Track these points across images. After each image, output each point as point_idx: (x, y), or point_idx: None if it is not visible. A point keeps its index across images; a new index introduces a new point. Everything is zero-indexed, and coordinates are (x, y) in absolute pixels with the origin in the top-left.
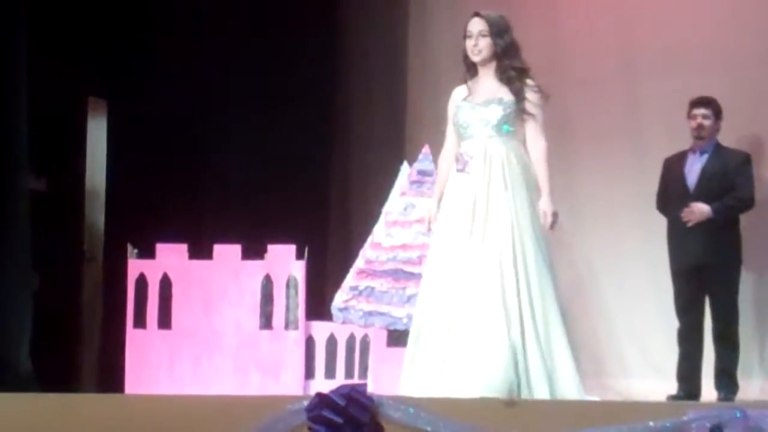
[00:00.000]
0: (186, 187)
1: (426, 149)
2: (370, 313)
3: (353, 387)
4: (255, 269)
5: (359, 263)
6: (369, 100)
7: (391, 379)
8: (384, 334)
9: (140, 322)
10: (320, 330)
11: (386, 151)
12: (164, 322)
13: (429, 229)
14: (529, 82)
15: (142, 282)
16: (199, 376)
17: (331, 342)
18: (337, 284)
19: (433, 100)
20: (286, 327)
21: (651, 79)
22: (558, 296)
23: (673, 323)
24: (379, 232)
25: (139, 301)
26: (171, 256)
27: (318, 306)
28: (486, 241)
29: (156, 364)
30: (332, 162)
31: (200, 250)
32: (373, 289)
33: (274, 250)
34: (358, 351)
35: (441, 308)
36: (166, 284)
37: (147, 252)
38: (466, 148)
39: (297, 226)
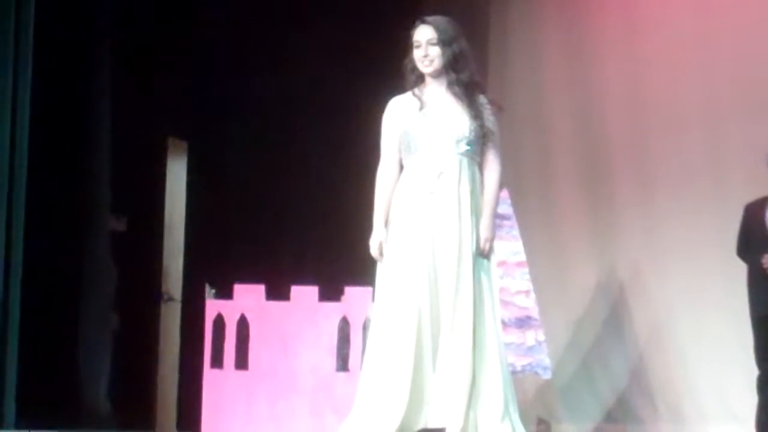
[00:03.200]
0: (264, 228)
1: (504, 193)
2: None
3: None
4: (332, 311)
5: None
6: None
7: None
8: None
9: (217, 362)
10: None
11: None
12: (241, 362)
13: (381, 256)
14: (482, 98)
15: (219, 322)
16: (275, 417)
17: None
18: None
19: (511, 144)
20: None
21: (733, 123)
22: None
23: (753, 369)
24: None
25: (216, 341)
26: (248, 297)
27: None
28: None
29: (233, 404)
30: None
31: (277, 292)
32: None
33: (351, 292)
34: None
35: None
36: (243, 325)
37: (225, 292)
38: (421, 164)
39: (374, 269)
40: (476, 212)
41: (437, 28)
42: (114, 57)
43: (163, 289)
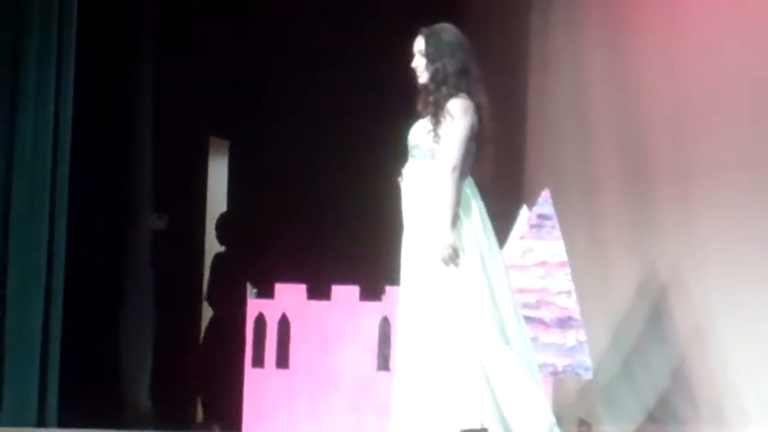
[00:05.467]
0: (306, 226)
1: (546, 193)
2: None
3: None
4: (372, 310)
5: None
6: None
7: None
8: None
9: (258, 361)
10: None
11: (504, 195)
12: (282, 361)
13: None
14: (451, 103)
15: (261, 322)
16: (316, 416)
17: None
18: None
19: (553, 144)
20: None
21: None
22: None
23: None
24: None
25: (257, 340)
26: (290, 296)
27: None
28: None
29: (273, 403)
30: None
31: (319, 291)
32: None
33: (391, 291)
34: None
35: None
36: (284, 324)
37: (266, 292)
38: None
39: None
40: (428, 217)
41: (428, 41)
42: (155, 56)
43: (205, 288)
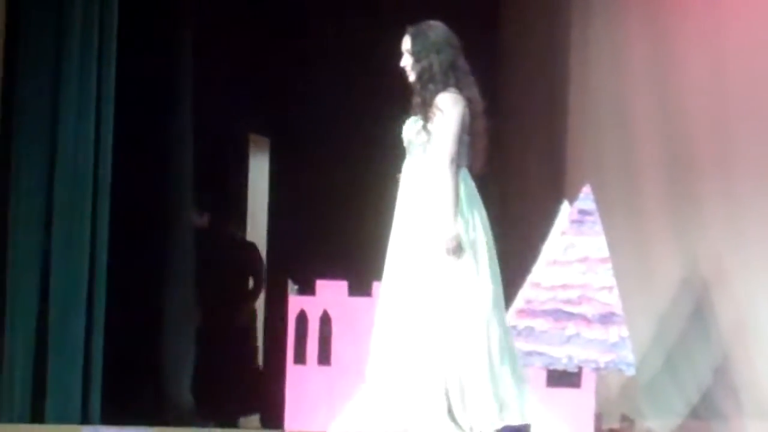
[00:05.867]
0: (347, 223)
1: (587, 188)
2: (529, 353)
3: (517, 429)
4: None
5: (518, 303)
6: (528, 140)
7: (551, 419)
8: (543, 374)
9: (300, 358)
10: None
11: (546, 191)
12: (324, 358)
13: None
14: (439, 98)
15: (302, 318)
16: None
17: None
18: None
19: (594, 139)
20: None
21: None
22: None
23: None
24: (538, 271)
25: (299, 337)
26: (331, 293)
27: None
28: None
29: (315, 400)
30: (491, 201)
31: (360, 287)
32: (532, 328)
33: None
34: None
35: None
36: (326, 321)
37: (307, 288)
38: None
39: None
40: (426, 212)
41: (414, 40)
42: (196, 54)
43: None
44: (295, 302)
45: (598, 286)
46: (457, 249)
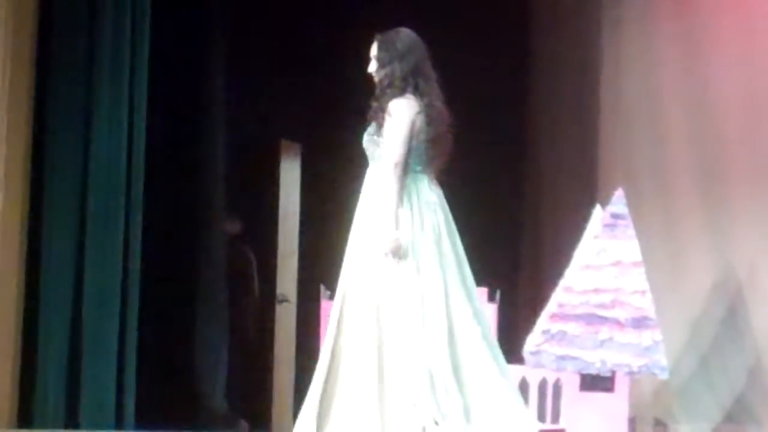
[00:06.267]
0: None
1: (619, 192)
2: (562, 357)
3: None
4: None
5: (551, 307)
6: (560, 144)
7: (584, 423)
8: (576, 378)
9: None
10: (512, 373)
11: (578, 195)
12: None
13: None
14: (392, 104)
15: None
16: None
17: (523, 386)
18: (528, 328)
19: (626, 142)
20: None
21: None
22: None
23: None
24: (571, 275)
25: None
26: None
27: (509, 349)
28: None
29: None
30: (523, 206)
31: None
32: (565, 333)
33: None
34: (551, 395)
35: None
36: None
37: None
38: None
39: (488, 270)
40: (373, 217)
41: (380, 46)
42: (227, 60)
43: (278, 290)
44: (328, 307)
45: (631, 290)
46: (397, 251)
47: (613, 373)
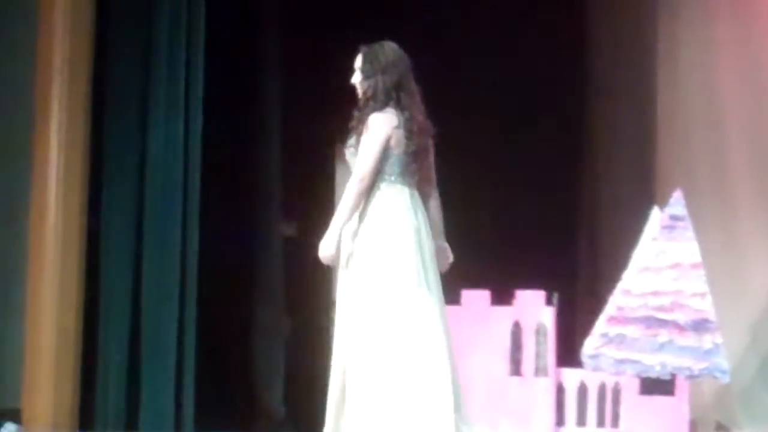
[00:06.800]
0: None
1: (677, 193)
2: (621, 361)
3: None
4: (504, 315)
5: (610, 310)
6: (617, 145)
7: (644, 427)
8: (636, 382)
9: None
10: (571, 377)
11: (636, 197)
12: None
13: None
14: (372, 118)
15: None
16: None
17: (582, 389)
18: (586, 331)
19: (684, 143)
20: (536, 374)
21: None
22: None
23: None
24: (629, 278)
25: None
26: None
27: (568, 353)
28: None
29: None
30: (581, 208)
31: (449, 296)
32: (624, 336)
33: (522, 296)
34: (610, 399)
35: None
36: None
37: None
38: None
39: (546, 273)
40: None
41: (364, 58)
42: (284, 64)
43: (333, 295)
44: None
45: (690, 292)
46: (328, 260)
47: (674, 376)
